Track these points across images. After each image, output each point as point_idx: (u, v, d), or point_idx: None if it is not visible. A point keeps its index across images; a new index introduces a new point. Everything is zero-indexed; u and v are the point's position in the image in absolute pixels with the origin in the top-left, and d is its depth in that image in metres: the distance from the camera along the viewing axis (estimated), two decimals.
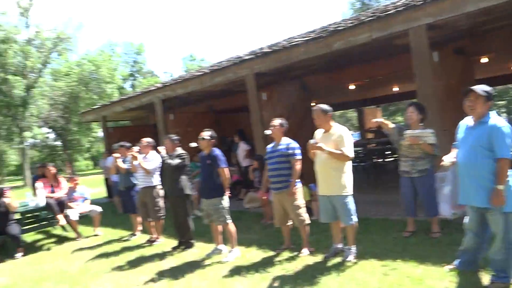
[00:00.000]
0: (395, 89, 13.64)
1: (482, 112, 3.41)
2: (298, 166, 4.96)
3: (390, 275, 3.90)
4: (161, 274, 4.84)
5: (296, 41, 7.29)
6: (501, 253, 3.36)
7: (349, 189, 4.51)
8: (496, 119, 3.37)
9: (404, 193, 5.10)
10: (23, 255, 6.54)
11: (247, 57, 8.31)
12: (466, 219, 3.71)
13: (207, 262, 5.15)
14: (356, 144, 13.05)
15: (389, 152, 10.84)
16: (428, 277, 3.72)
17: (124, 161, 7.01)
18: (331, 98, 14.22)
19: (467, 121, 3.63)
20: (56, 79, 34.38)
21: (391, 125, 5.09)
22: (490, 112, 3.43)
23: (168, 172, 5.99)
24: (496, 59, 9.02)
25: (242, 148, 9.83)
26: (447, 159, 3.71)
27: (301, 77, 9.76)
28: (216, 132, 12.70)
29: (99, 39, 74.08)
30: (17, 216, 7.06)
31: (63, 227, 7.94)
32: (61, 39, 33.96)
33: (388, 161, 10.86)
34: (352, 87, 11.42)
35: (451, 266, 3.83)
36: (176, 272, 4.85)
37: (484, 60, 8.49)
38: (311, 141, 4.43)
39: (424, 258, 4.16)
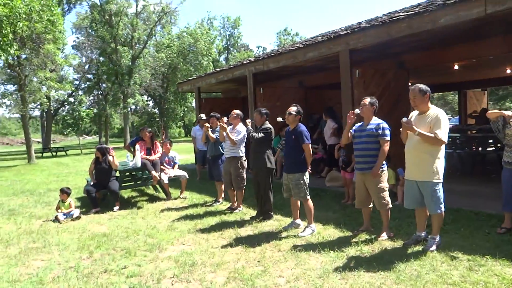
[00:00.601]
0: (508, 71, 12.20)
1: None
2: (386, 147, 4.74)
3: (476, 271, 3.60)
4: (238, 241, 5.03)
5: (398, 16, 6.83)
6: None
7: (440, 176, 4.20)
8: None
9: (506, 186, 4.60)
10: (120, 209, 7.25)
11: (342, 33, 8.02)
12: None
13: (283, 234, 5.23)
14: (454, 130, 12.12)
15: (492, 141, 9.81)
16: None
17: (213, 131, 7.31)
18: (431, 78, 13.22)
19: None
20: (158, 50, 36.75)
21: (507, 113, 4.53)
22: None
23: (253, 145, 6.12)
24: None
25: (329, 125, 9.62)
26: None
27: (399, 54, 9.17)
28: (304, 108, 12.68)
29: (199, 12, 77.13)
30: (117, 174, 7.80)
31: (155, 188, 8.61)
32: (166, 12, 36.03)
33: (489, 151, 9.84)
34: (456, 67, 10.48)
35: None
36: (253, 240, 5.01)
37: None
38: (404, 119, 4.18)
39: None
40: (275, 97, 11.37)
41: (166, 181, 7.95)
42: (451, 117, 27.23)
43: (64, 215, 6.65)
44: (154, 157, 8.12)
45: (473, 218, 5.23)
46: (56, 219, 6.56)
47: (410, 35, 6.72)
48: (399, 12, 7.56)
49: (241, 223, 5.90)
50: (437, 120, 4.12)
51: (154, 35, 38.90)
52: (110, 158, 7.44)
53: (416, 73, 10.80)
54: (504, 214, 4.72)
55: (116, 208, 7.24)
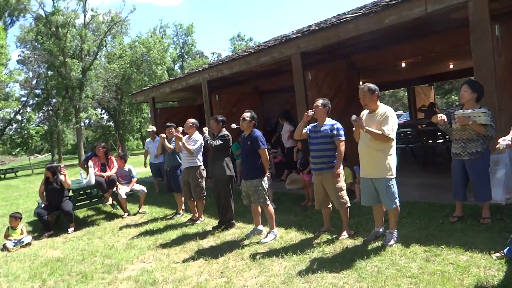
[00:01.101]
0: (451, 66, 12.84)
1: None
2: (342, 147, 4.81)
3: (433, 262, 3.70)
4: (201, 253, 4.93)
5: (345, 18, 6.99)
6: None
7: (393, 172, 4.30)
8: None
9: (455, 176, 4.79)
10: (75, 230, 6.91)
11: (293, 36, 8.11)
12: None
13: (245, 242, 5.17)
14: (405, 125, 12.57)
15: (440, 134, 10.26)
16: (473, 265, 3.49)
17: (169, 141, 7.15)
18: (381, 77, 13.65)
19: None
20: (110, 61, 35.78)
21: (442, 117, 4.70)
22: None
23: (211, 153, 6.04)
24: None
25: (286, 128, 9.70)
26: (503, 141, 3.41)
27: (349, 55, 9.41)
28: (261, 113, 12.68)
29: (150, 21, 75.93)
30: (70, 193, 7.46)
31: (112, 204, 8.31)
32: (116, 22, 35.19)
33: (439, 143, 10.29)
34: (403, 64, 10.89)
35: (499, 254, 3.57)
36: (215, 251, 4.92)
37: None
38: (353, 117, 4.25)
39: (471, 245, 3.91)
40: (231, 103, 11.34)
41: (123, 196, 7.68)
42: (403, 113, 28.26)
43: (13, 242, 6.26)
44: (110, 173, 7.83)
45: (427, 209, 5.40)
46: (5, 248, 6.16)
47: (358, 36, 6.90)
48: (347, 14, 7.75)
49: (203, 234, 5.79)
50: (385, 117, 4.23)
51: (105, 46, 37.87)
52: (62, 177, 7.09)
53: (366, 72, 11.12)
54: (455, 203, 4.90)
55: (71, 229, 6.90)
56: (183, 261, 4.71)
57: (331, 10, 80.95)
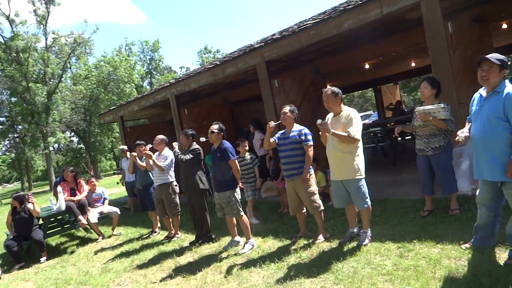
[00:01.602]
0: (413, 64, 13.22)
1: (496, 81, 3.25)
2: (310, 152, 4.86)
3: (406, 257, 3.77)
4: (178, 270, 4.85)
5: (305, 25, 7.11)
6: None
7: (362, 172, 4.37)
8: (511, 87, 3.17)
9: (421, 171, 4.92)
10: (47, 259, 6.69)
11: (257, 45, 8.18)
12: (478, 194, 3.53)
13: (223, 255, 5.13)
14: (375, 124, 12.82)
15: None
16: (445, 257, 3.58)
17: (141, 159, 7.05)
18: (347, 79, 13.89)
19: (481, 92, 3.43)
20: (76, 83, 35.10)
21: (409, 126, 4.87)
22: (505, 81, 3.24)
23: (183, 168, 5.99)
24: None
25: (257, 137, 9.71)
26: (461, 133, 3.52)
27: (314, 60, 9.55)
28: (233, 123, 12.66)
29: (115, 39, 75.12)
30: (41, 221, 7.21)
31: (85, 229, 8.09)
32: (79, 43, 34.59)
33: (407, 140, 10.55)
34: (367, 66, 11.14)
35: (467, 245, 3.68)
36: (193, 267, 4.85)
37: (505, 25, 8.08)
38: (318, 121, 4.30)
39: (441, 237, 4.01)
40: (201, 116, 11.29)
41: (93, 221, 7.48)
42: (372, 112, 28.85)
43: None
44: (80, 196, 7.64)
45: (399, 206, 5.51)
46: None
47: (319, 41, 7.02)
48: (308, 21, 7.89)
49: (180, 251, 5.71)
50: (349, 119, 4.31)
51: (70, 68, 37.13)
52: (30, 205, 6.85)
53: (332, 76, 11.31)
54: (424, 198, 5.02)
55: (43, 259, 6.67)
56: (161, 281, 4.63)
57: (299, 16, 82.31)
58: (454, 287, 3.05)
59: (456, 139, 3.57)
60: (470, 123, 3.55)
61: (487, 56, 3.24)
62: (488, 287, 2.94)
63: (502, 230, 3.50)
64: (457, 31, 5.82)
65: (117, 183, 10.54)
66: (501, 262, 3.29)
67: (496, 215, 3.48)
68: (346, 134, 4.23)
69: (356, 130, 4.24)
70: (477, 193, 3.57)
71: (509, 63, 40.49)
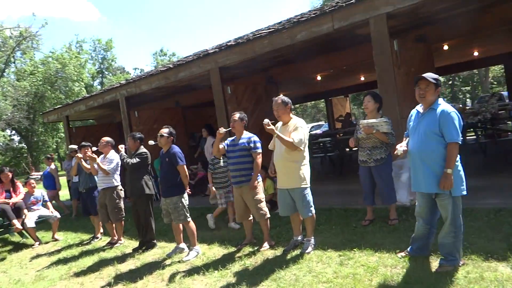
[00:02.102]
0: (362, 78, 13.75)
1: (432, 99, 3.46)
2: (259, 159, 4.89)
3: (346, 265, 3.88)
4: (119, 278, 4.69)
5: (260, 34, 7.19)
6: (449, 237, 3.41)
7: (307, 181, 4.46)
8: (445, 105, 3.42)
9: (363, 182, 5.10)
10: None
11: (211, 51, 8.16)
12: (417, 207, 3.72)
13: (167, 262, 5.02)
14: (325, 135, 13.17)
15: None
16: (382, 265, 3.72)
17: (86, 161, 6.77)
18: (299, 90, 14.19)
19: (418, 109, 3.64)
20: (20, 78, 33.22)
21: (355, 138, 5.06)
22: (439, 99, 3.46)
23: (128, 172, 5.82)
24: (458, 45, 9.17)
25: (210, 143, 9.65)
26: (400, 147, 3.70)
27: (268, 69, 9.67)
28: (184, 128, 12.49)
29: (66, 36, 72.07)
30: None
31: (21, 234, 7.63)
32: (25, 37, 32.85)
33: (354, 151, 10.92)
34: (319, 78, 11.44)
35: (403, 253, 3.85)
36: (134, 275, 4.71)
37: (446, 47, 8.62)
38: (265, 121, 4.34)
39: (380, 246, 4.17)
40: (151, 119, 11.06)
41: (30, 225, 7.05)
42: (323, 123, 29.61)
43: None
44: (16, 199, 7.20)
45: (343, 215, 5.67)
46: None
47: (273, 50, 7.13)
48: (263, 30, 7.99)
49: (122, 258, 5.52)
50: (295, 128, 4.40)
51: (14, 62, 35.12)
52: None
53: (284, 85, 11.50)
54: (366, 207, 5.20)
55: None
56: None
57: (259, 24, 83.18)
58: None
59: (395, 152, 3.74)
60: (407, 138, 3.74)
61: (423, 75, 3.44)
62: None
63: (435, 240, 3.69)
64: (402, 50, 6.12)
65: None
66: (433, 270, 3.46)
67: (432, 227, 3.68)
68: (291, 140, 4.30)
69: (299, 138, 4.32)
70: (416, 206, 3.75)
71: (449, 82, 43.06)
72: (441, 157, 3.34)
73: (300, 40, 6.56)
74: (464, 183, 3.40)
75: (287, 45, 6.83)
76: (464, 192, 3.39)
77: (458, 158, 3.39)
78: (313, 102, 40.14)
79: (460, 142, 3.31)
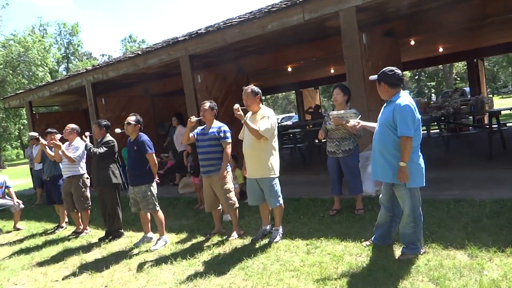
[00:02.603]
0: (332, 71, 13.93)
1: (387, 96, 3.58)
2: (228, 149, 4.89)
3: (313, 254, 3.96)
4: (84, 267, 4.59)
5: (231, 22, 7.13)
6: (409, 227, 3.53)
7: (276, 171, 4.50)
8: (403, 98, 3.48)
9: (331, 172, 5.20)
10: None
11: (181, 38, 8.03)
12: (381, 195, 3.85)
13: (134, 251, 4.96)
14: (295, 126, 13.29)
15: None
16: (347, 253, 3.82)
17: (51, 149, 6.55)
18: (270, 80, 14.24)
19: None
20: None
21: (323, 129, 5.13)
22: (401, 92, 3.55)
23: (94, 160, 5.68)
24: (424, 41, 9.43)
25: (180, 132, 9.54)
26: (354, 121, 3.99)
27: (238, 59, 9.63)
28: (154, 116, 12.28)
29: (28, 19, 68.92)
30: None
31: None
32: None
33: (323, 142, 11.10)
34: (289, 69, 11.50)
35: (368, 242, 3.96)
36: (100, 264, 4.63)
37: (412, 42, 8.85)
38: (235, 106, 4.36)
39: (346, 235, 4.28)
40: (119, 107, 10.83)
41: None
42: (294, 115, 29.83)
43: None
44: None
45: (311, 204, 5.76)
46: None
47: (243, 40, 7.10)
48: (234, 19, 7.93)
49: (87, 248, 5.41)
50: (263, 117, 4.43)
51: None
52: None
53: (255, 76, 11.52)
54: (334, 197, 5.31)
55: None
56: (63, 279, 4.35)
57: (231, 13, 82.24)
58: (353, 281, 3.27)
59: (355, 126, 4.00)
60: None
61: (370, 78, 3.67)
62: (382, 281, 3.19)
63: (398, 229, 3.81)
64: (370, 43, 6.23)
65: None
66: (396, 258, 3.59)
67: (394, 216, 3.79)
68: (257, 128, 4.32)
69: (266, 127, 4.34)
70: (381, 194, 3.87)
71: (416, 77, 44.21)
72: (396, 149, 3.45)
73: (271, 31, 6.57)
74: (423, 175, 3.52)
75: (258, 35, 6.83)
76: (423, 184, 3.51)
77: (418, 150, 3.50)
78: (284, 93, 40.35)
79: (411, 136, 3.36)
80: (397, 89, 3.55)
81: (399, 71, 3.56)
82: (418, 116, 3.46)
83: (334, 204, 5.27)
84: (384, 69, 3.58)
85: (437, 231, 4.03)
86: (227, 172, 4.95)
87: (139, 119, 5.31)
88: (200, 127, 5.13)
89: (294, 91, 20.80)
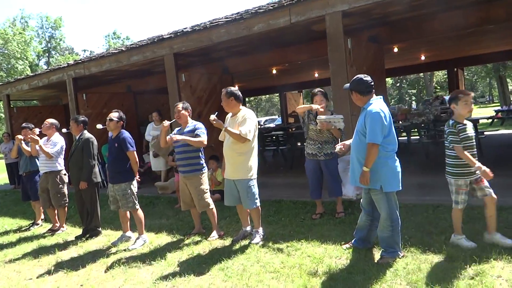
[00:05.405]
0: (316, 75, 14.02)
1: (361, 104, 3.66)
2: (201, 139, 4.78)
3: (293, 256, 3.96)
4: (59, 266, 4.48)
5: (217, 22, 7.10)
6: (387, 231, 3.58)
7: (253, 173, 4.49)
8: (374, 105, 3.53)
9: (311, 175, 5.20)
10: None
11: (166, 36, 7.96)
12: (362, 199, 3.89)
13: (112, 250, 4.87)
14: (278, 129, 13.33)
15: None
16: (327, 256, 3.83)
17: (27, 144, 6.39)
18: (254, 82, 14.25)
19: None
20: None
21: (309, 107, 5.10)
22: (372, 98, 3.60)
23: (73, 157, 5.56)
24: (407, 48, 9.59)
25: (149, 128, 9.37)
26: (338, 146, 3.95)
27: (223, 59, 9.59)
28: (136, 114, 12.10)
29: (8, 10, 67.29)
30: None
31: None
32: None
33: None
34: (274, 71, 11.52)
35: (348, 245, 3.99)
36: (76, 263, 4.53)
37: (396, 49, 8.98)
38: (212, 117, 4.34)
39: (326, 237, 4.30)
40: (101, 103, 10.64)
41: None
42: (277, 117, 29.91)
43: None
44: None
45: (292, 207, 5.77)
46: None
47: (229, 40, 7.08)
48: (221, 19, 7.90)
49: (64, 246, 5.29)
50: (243, 120, 4.42)
51: None
52: None
53: (240, 77, 11.49)
54: (315, 201, 5.32)
55: None
56: (37, 277, 4.24)
57: (218, 13, 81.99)
58: (332, 283, 3.28)
59: (336, 150, 3.95)
60: None
61: (344, 87, 3.82)
62: (361, 284, 3.21)
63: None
64: (355, 48, 6.29)
65: None
66: (375, 261, 3.62)
67: (373, 220, 3.83)
68: (238, 132, 4.31)
69: (247, 130, 4.32)
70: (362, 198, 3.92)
71: (397, 84, 44.90)
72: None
73: (257, 32, 6.58)
74: (399, 180, 3.58)
75: (244, 36, 6.82)
76: (399, 188, 3.57)
77: (394, 155, 3.56)
78: (267, 96, 40.44)
79: (377, 143, 3.41)
80: (369, 96, 3.61)
81: (368, 78, 3.61)
82: (389, 122, 3.51)
83: (316, 207, 5.28)
84: (354, 77, 3.67)
85: (416, 235, 4.09)
86: (203, 173, 4.91)
87: (122, 116, 5.22)
88: (176, 129, 5.11)
89: (278, 94, 20.86)
